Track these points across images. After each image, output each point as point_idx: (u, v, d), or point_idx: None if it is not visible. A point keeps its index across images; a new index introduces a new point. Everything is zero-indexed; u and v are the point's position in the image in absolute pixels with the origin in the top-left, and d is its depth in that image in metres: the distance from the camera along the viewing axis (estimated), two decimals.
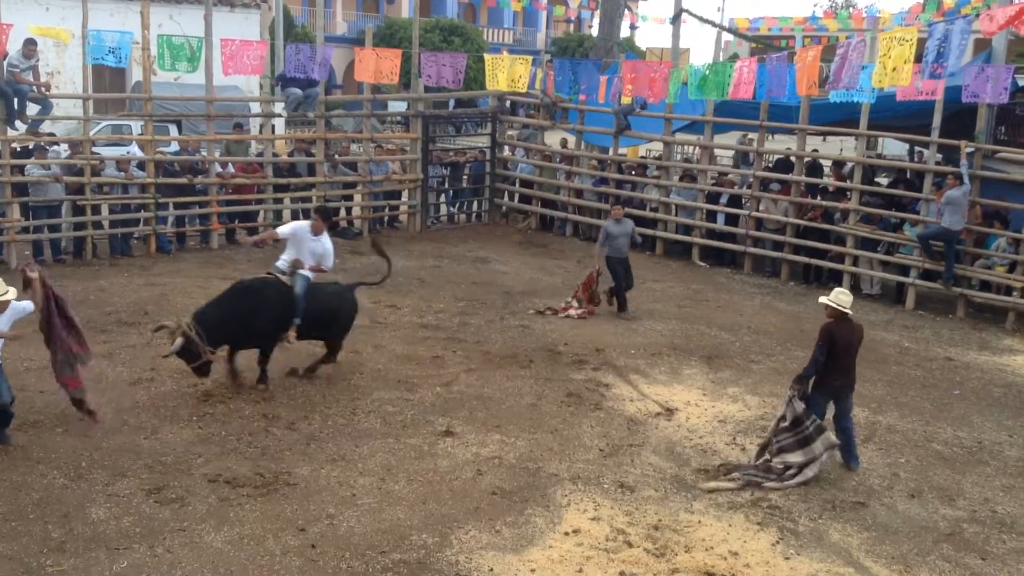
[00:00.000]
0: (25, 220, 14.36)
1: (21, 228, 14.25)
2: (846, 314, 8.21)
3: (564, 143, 19.77)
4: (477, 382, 10.11)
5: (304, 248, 9.64)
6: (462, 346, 11.34)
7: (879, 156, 22.81)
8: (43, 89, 14.44)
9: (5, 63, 13.74)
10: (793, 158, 16.24)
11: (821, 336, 8.16)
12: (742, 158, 18.86)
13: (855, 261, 15.11)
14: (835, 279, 15.32)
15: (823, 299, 8.37)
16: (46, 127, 14.95)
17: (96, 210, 14.91)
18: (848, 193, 15.43)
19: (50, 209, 14.53)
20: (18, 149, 14.60)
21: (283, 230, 9.91)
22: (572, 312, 12.92)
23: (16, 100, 13.83)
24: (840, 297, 8.22)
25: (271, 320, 9.30)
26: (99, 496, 7.21)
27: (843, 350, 8.20)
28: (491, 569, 6.52)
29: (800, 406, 8.10)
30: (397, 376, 10.15)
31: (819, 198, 15.81)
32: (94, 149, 15.37)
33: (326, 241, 9.80)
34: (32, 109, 14.26)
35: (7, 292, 7.71)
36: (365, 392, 9.62)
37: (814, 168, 17.61)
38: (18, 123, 14.13)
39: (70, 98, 15.75)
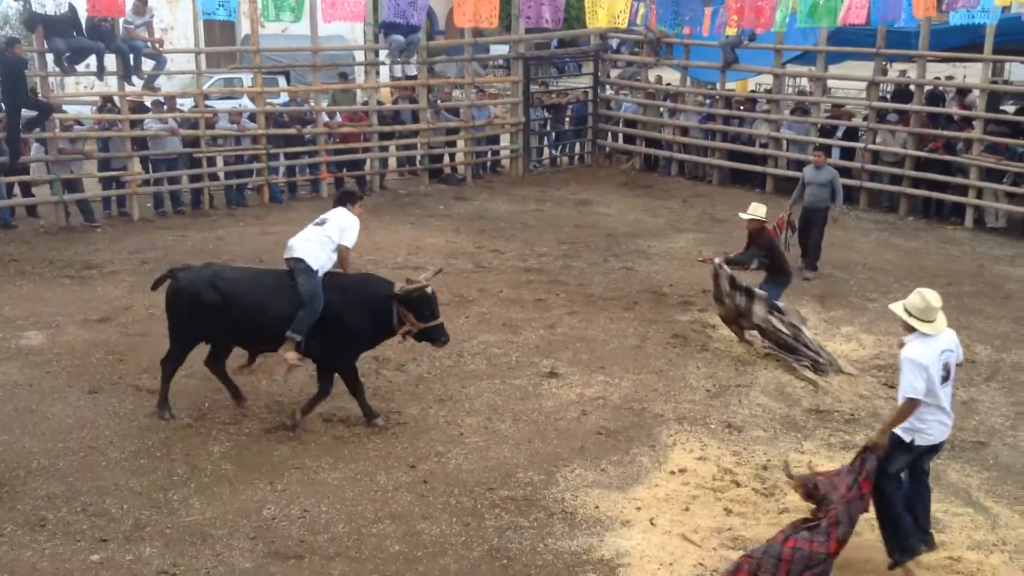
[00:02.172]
0: (145, 173, 14.97)
1: (142, 181, 14.88)
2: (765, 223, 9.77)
3: (659, 80, 19.26)
4: (580, 324, 10.11)
5: None
6: (565, 289, 11.34)
7: (1005, 82, 21.42)
8: (157, 45, 14.91)
9: (121, 21, 14.23)
10: (912, 87, 15.45)
11: (768, 245, 9.76)
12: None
13: (979, 193, 14.38)
14: (958, 213, 14.66)
15: (744, 215, 9.69)
16: (161, 82, 15.41)
17: (211, 162, 15.46)
18: (972, 122, 14.63)
19: (168, 162, 15.08)
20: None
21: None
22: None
23: (132, 57, 14.30)
24: (759, 210, 9.62)
25: None
26: (221, 435, 7.57)
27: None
28: (597, 506, 6.57)
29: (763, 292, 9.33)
30: (501, 319, 10.24)
31: (941, 128, 15.03)
32: (207, 103, 15.82)
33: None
34: (147, 65, 14.74)
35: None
36: (470, 335, 9.74)
37: (935, 97, 16.71)
38: (134, 79, 14.64)
39: (183, 53, 16.19)
